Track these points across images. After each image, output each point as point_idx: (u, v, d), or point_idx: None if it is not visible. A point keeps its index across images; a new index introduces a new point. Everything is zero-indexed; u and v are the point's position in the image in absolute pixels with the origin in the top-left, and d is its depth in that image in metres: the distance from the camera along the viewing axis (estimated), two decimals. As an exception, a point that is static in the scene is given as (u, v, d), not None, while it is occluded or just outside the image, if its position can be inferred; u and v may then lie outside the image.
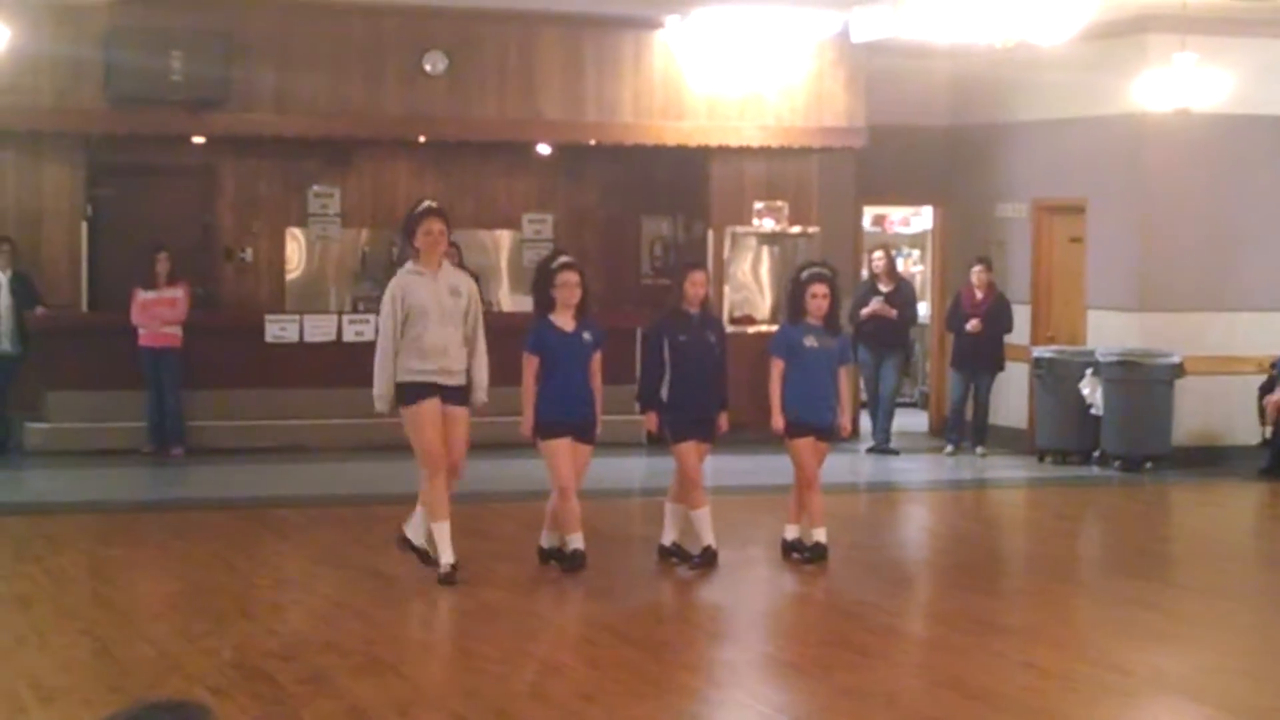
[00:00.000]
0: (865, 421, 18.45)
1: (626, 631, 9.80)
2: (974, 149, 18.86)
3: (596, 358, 11.14)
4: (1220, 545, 13.62)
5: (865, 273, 18.49)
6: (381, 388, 10.77)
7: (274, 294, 18.33)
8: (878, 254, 18.10)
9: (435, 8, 16.93)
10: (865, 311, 17.72)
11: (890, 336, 17.84)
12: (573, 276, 11.08)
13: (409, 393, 10.73)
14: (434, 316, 10.75)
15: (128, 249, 16.95)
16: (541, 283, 11.22)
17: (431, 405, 10.71)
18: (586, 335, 11.11)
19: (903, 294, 17.98)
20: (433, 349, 10.72)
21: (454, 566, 10.77)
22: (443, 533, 10.82)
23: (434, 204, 11.17)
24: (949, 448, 17.66)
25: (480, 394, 11.00)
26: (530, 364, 11.04)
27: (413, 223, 10.95)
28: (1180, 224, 16.83)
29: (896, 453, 17.62)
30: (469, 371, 10.92)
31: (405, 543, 10.99)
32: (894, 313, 17.71)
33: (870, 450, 17.63)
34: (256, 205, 18.36)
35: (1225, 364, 16.88)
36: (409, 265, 10.98)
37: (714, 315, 12.24)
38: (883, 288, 17.83)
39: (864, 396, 18.39)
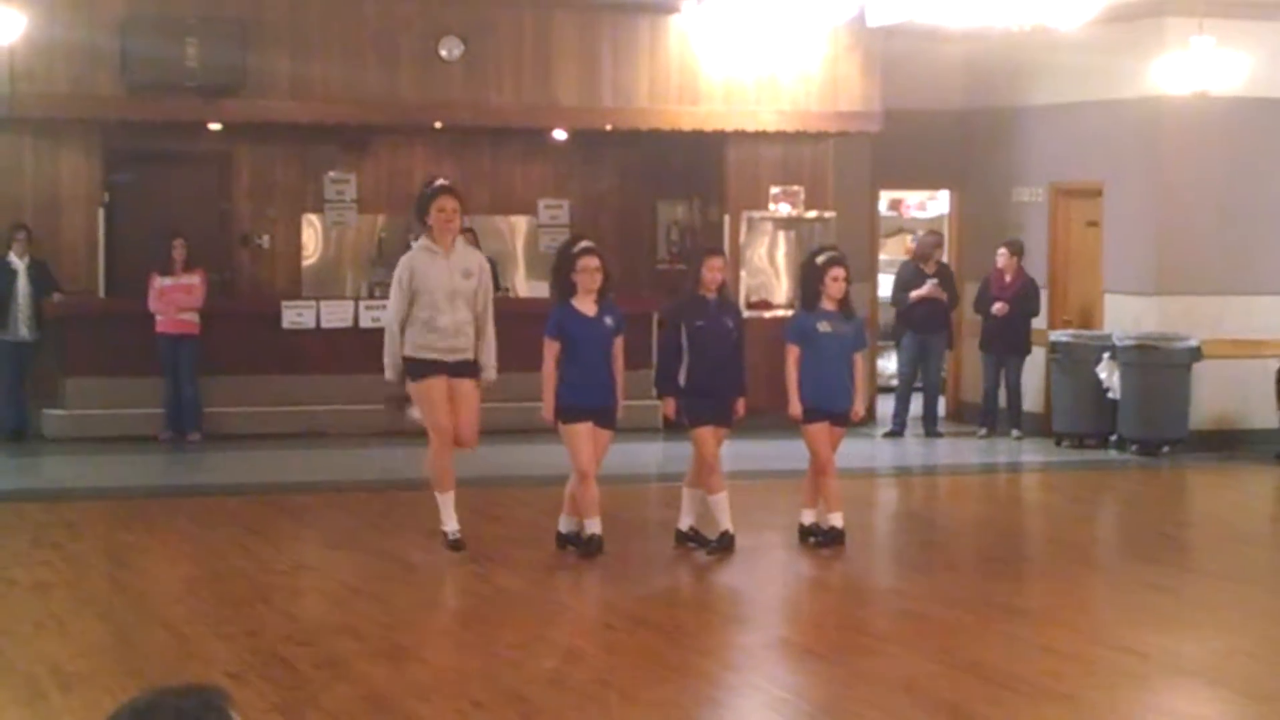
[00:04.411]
0: (886, 405, 18.39)
1: (644, 616, 9.82)
2: (990, 133, 18.82)
3: (618, 342, 11.15)
4: (1237, 529, 13.59)
5: (904, 256, 18.52)
6: (390, 358, 11.10)
7: (291, 280, 18.35)
8: (933, 236, 18.28)
9: (450, -7, 16.93)
10: (916, 294, 17.71)
11: (939, 320, 17.87)
12: (593, 261, 11.07)
13: (416, 369, 10.96)
14: (443, 297, 10.85)
15: (144, 236, 16.97)
16: (562, 268, 11.21)
17: (438, 382, 10.90)
18: (608, 320, 11.11)
19: (945, 277, 18.01)
20: (440, 329, 10.86)
21: (458, 535, 11.09)
22: (447, 502, 11.09)
23: (446, 182, 11.24)
24: (982, 430, 17.65)
25: (489, 373, 11.12)
26: (550, 349, 11.04)
27: (425, 200, 11.06)
28: (1198, 207, 16.79)
29: (941, 434, 17.65)
30: (477, 350, 11.03)
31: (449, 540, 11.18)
32: (945, 295, 17.76)
33: (928, 435, 17.62)
34: (273, 191, 18.38)
35: (1243, 348, 16.84)
36: (423, 241, 11.04)
37: (731, 300, 12.23)
38: (928, 270, 17.85)
39: (895, 381, 18.39)
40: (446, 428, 10.95)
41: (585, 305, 11.08)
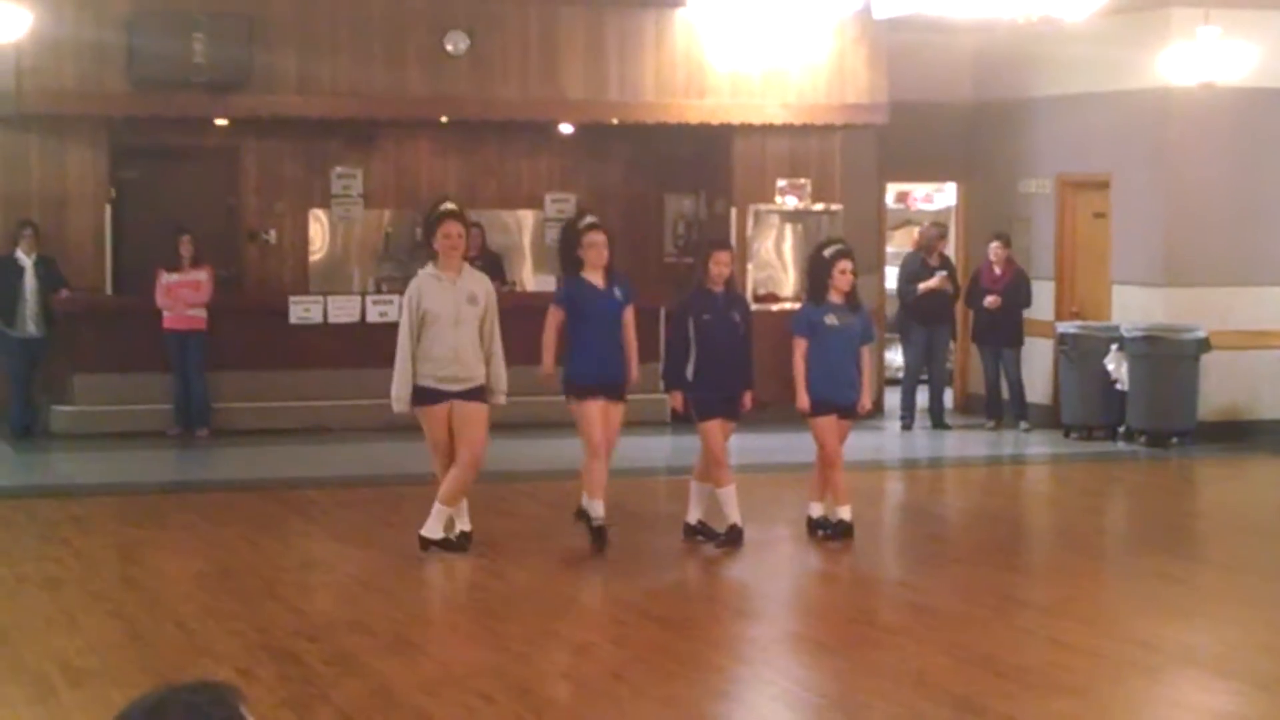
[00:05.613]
0: (893, 398, 18.37)
1: (653, 610, 9.82)
2: (997, 125, 18.80)
3: (629, 312, 11.18)
4: (1246, 520, 13.58)
5: (910, 247, 18.52)
6: (399, 390, 10.91)
7: (297, 275, 18.35)
8: (935, 228, 18.27)
9: (456, -13, 16.93)
10: (925, 286, 17.69)
11: (945, 311, 17.87)
12: (600, 237, 11.11)
13: (421, 396, 10.87)
14: (448, 324, 10.78)
15: (151, 232, 16.98)
16: (568, 244, 11.22)
17: (439, 410, 10.84)
18: (617, 292, 11.12)
19: (949, 268, 18.00)
20: (445, 358, 10.77)
21: (468, 534, 11.04)
22: (460, 508, 11.03)
23: (452, 206, 11.18)
24: (990, 422, 17.63)
25: (499, 397, 11.03)
26: (554, 315, 11.08)
27: (431, 225, 11.01)
28: (1205, 198, 16.76)
29: (949, 427, 17.63)
30: (487, 374, 10.95)
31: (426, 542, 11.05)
32: (951, 287, 17.76)
33: (936, 427, 17.55)
34: (279, 187, 18.37)
35: (1251, 339, 16.82)
36: (429, 268, 10.98)
37: (738, 294, 12.24)
38: (933, 262, 17.84)
39: (900, 374, 18.35)
40: (445, 451, 10.89)
41: (594, 279, 11.11)
